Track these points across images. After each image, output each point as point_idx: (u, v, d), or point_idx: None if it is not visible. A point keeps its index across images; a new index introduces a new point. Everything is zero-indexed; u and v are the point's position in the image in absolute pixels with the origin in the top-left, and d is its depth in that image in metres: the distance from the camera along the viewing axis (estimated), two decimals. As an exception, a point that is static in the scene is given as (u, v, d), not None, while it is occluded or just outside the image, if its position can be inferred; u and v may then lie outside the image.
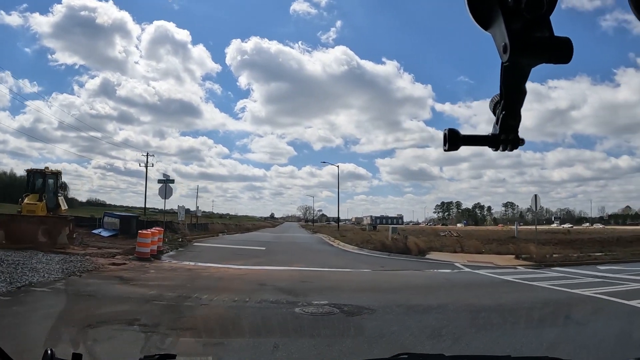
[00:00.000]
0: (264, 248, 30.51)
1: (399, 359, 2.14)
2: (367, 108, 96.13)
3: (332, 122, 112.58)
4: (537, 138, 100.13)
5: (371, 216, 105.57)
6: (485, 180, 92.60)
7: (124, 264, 17.20)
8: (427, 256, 26.24)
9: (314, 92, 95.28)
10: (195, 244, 31.09)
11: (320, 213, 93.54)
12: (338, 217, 63.88)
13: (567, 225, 71.32)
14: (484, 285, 16.42)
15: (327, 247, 36.49)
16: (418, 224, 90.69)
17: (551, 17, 0.91)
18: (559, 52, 0.90)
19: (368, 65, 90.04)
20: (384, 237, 36.13)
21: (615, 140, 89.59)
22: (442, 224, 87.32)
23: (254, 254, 25.46)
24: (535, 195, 27.23)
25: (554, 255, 26.29)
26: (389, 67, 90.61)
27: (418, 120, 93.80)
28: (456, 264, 22.68)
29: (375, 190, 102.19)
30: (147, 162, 63.34)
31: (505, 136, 1.07)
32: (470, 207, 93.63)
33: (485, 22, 0.94)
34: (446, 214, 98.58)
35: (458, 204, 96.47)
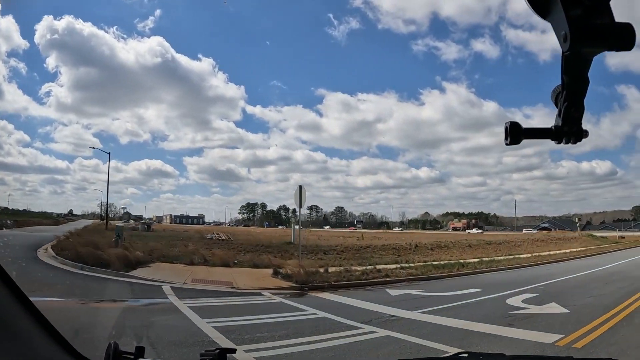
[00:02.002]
0: None
1: (459, 357, 2.09)
2: (177, 104, 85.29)
3: (140, 115, 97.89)
4: (343, 146, 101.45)
5: (171, 215, 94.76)
6: (291, 184, 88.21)
7: None
8: (140, 269, 17.91)
9: (125, 83, 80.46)
10: None
11: (125, 210, 79.11)
12: (107, 213, 49.21)
13: (359, 228, 67.48)
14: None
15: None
16: (221, 224, 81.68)
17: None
18: (621, 39, 0.86)
19: (183, 59, 79.20)
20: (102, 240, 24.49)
21: (416, 153, 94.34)
22: (245, 225, 78.90)
23: None
24: (300, 187, 18.24)
25: (330, 270, 16.88)
26: (204, 64, 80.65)
27: (228, 121, 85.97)
28: (168, 287, 14.64)
29: (182, 189, 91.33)
30: None
31: (569, 128, 1.05)
32: (275, 209, 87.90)
33: (543, 10, 0.92)
34: (251, 214, 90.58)
35: (263, 205, 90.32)
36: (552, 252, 28.64)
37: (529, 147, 71.46)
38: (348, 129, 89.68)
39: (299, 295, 14.24)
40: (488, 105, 76.59)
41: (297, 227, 26.49)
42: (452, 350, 7.21)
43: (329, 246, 25.31)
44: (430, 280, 16.73)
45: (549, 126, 1.05)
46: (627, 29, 0.85)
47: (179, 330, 9.09)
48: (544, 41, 74.32)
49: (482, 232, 60.81)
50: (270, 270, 17.42)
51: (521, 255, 26.08)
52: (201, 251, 20.64)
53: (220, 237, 31.45)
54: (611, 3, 0.87)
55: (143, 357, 1.78)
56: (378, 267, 18.12)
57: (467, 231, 65.05)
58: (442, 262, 20.39)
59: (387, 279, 16.31)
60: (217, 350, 1.76)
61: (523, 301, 11.81)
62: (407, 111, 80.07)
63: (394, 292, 13.99)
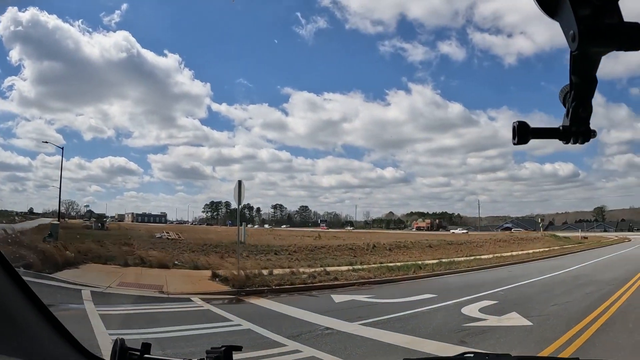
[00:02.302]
0: None
1: (465, 357, 2.05)
2: (142, 100, 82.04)
3: (105, 111, 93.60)
4: (309, 145, 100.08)
5: (133, 213, 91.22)
6: (256, 182, 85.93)
7: None
8: (66, 271, 16.11)
9: (89, 78, 76.42)
10: None
11: (87, 209, 75.48)
12: (59, 211, 46.18)
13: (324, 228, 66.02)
14: None
15: None
16: (184, 222, 78.98)
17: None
18: (630, 39, 0.84)
19: (149, 55, 75.87)
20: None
21: (381, 153, 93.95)
22: (208, 224, 76.54)
23: None
24: (239, 182, 16.78)
25: (275, 272, 15.44)
26: (170, 60, 77.50)
27: (194, 118, 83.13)
28: (89, 291, 12.94)
29: (147, 187, 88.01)
30: None
31: (576, 128, 1.03)
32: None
33: (551, 9, 0.90)
34: (215, 213, 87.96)
35: (227, 204, 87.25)
36: (514, 253, 27.61)
37: (493, 149, 71.45)
38: (313, 128, 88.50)
39: (234, 301, 12.71)
40: (453, 107, 76.52)
41: (262, 225, 24.69)
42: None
43: (281, 246, 23.60)
44: (382, 283, 15.33)
45: (557, 126, 1.04)
46: (636, 28, 0.83)
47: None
48: (510, 45, 74.15)
49: (467, 233, 59.59)
50: (210, 273, 15.76)
51: (482, 257, 24.94)
52: (139, 252, 18.71)
53: (169, 236, 29.42)
54: (620, 3, 0.86)
55: (149, 354, 1.73)
56: (328, 269, 16.65)
57: (452, 231, 63.70)
58: (398, 264, 18.93)
59: (336, 282, 14.87)
60: (223, 348, 1.73)
61: (480, 310, 10.46)
62: (372, 111, 79.34)
63: (339, 297, 12.53)
